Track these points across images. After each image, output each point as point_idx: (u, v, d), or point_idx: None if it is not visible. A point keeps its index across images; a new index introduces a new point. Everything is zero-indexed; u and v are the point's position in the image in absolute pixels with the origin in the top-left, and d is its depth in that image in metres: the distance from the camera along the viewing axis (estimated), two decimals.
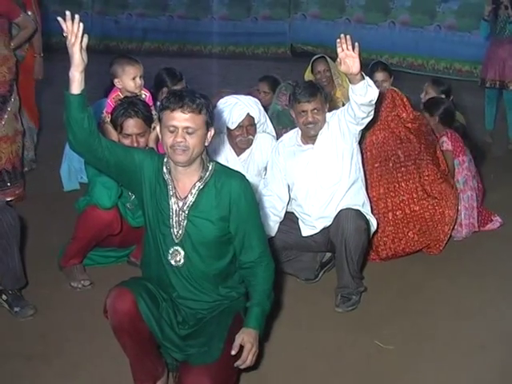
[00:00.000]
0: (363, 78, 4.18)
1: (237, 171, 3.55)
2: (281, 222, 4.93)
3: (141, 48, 15.02)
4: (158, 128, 3.41)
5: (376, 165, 5.21)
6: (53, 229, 5.71)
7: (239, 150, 5.26)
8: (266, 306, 3.52)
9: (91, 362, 4.01)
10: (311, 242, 4.92)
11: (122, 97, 5.00)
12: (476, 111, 8.50)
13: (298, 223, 4.93)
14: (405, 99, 5.29)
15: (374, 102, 4.31)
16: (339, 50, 4.06)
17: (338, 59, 4.11)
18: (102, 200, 4.62)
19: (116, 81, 5.10)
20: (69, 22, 3.13)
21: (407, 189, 5.17)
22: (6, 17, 6.13)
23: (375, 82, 6.08)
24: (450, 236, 5.46)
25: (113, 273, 4.84)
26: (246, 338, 3.34)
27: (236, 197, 3.36)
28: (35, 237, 5.39)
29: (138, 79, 5.06)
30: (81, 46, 3.16)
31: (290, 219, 4.95)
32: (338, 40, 4.05)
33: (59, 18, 3.15)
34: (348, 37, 4.05)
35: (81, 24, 3.14)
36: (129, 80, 5.03)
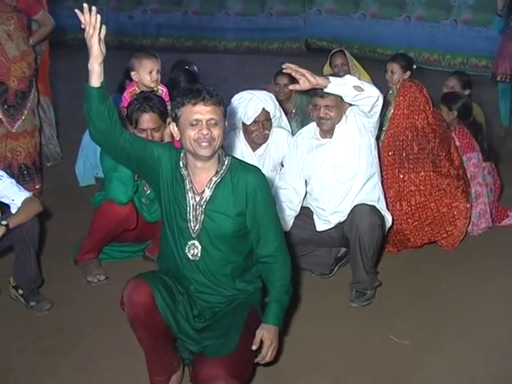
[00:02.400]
0: (343, 82, 4.27)
1: (253, 165, 3.55)
2: (296, 217, 4.93)
3: (155, 44, 15.02)
4: (172, 126, 3.41)
5: (390, 153, 5.21)
6: (69, 223, 5.74)
7: (255, 145, 5.25)
8: (285, 301, 3.55)
9: (107, 356, 4.03)
10: (326, 236, 4.91)
11: (139, 91, 5.02)
12: (493, 106, 8.44)
13: (312, 218, 4.92)
14: (426, 92, 5.28)
15: (362, 97, 4.31)
16: (293, 74, 4.20)
17: (297, 87, 4.24)
18: (118, 195, 4.64)
19: (133, 74, 5.12)
20: (86, 14, 3.13)
21: (415, 180, 5.16)
22: (25, 13, 6.16)
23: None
24: (466, 232, 5.44)
25: (128, 268, 4.85)
26: (265, 334, 3.39)
27: (252, 191, 3.36)
28: (51, 232, 5.42)
29: (154, 73, 5.07)
30: (99, 38, 3.17)
31: (304, 214, 4.95)
32: (284, 70, 4.24)
33: (77, 11, 3.16)
34: (287, 64, 4.20)
35: (98, 16, 3.14)
36: (145, 73, 5.05)
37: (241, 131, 5.26)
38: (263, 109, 5.07)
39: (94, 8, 3.14)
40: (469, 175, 5.60)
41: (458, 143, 5.62)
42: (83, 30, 3.17)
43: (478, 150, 5.78)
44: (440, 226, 5.23)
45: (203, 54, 13.60)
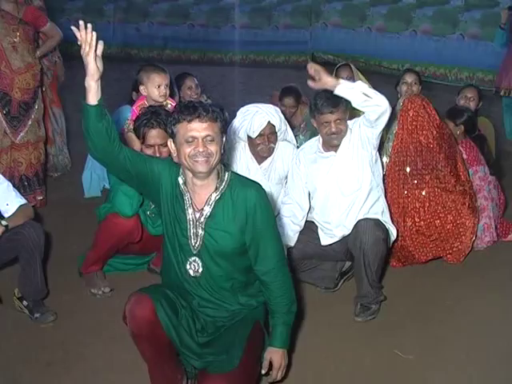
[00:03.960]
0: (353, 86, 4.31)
1: (253, 181, 3.51)
2: (300, 232, 4.92)
3: (162, 56, 15.06)
4: (169, 143, 3.39)
5: (396, 168, 5.19)
6: (73, 235, 5.74)
7: (260, 158, 5.25)
8: (290, 320, 3.56)
9: (111, 368, 4.02)
10: (330, 251, 4.90)
11: (147, 105, 5.01)
12: (498, 121, 8.44)
13: (317, 232, 4.92)
14: (432, 107, 5.25)
15: (370, 104, 4.33)
16: (311, 72, 4.22)
17: (310, 82, 4.27)
18: (123, 208, 4.64)
19: (141, 88, 5.13)
20: (82, 32, 3.14)
21: (420, 197, 5.14)
22: (32, 25, 6.20)
23: (404, 83, 6.09)
24: (472, 247, 5.42)
25: (133, 280, 4.84)
26: (274, 357, 3.45)
27: (252, 207, 3.34)
28: (56, 243, 5.42)
29: (162, 88, 5.07)
30: (95, 55, 3.17)
31: (309, 228, 4.94)
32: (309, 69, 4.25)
33: (73, 27, 3.16)
34: (312, 64, 4.27)
35: (94, 33, 3.14)
36: (153, 88, 5.06)
37: (246, 144, 5.26)
38: (269, 122, 5.07)
39: (89, 25, 3.14)
40: (474, 188, 5.59)
41: (465, 156, 5.61)
42: (80, 46, 3.17)
43: (484, 164, 5.77)
44: (445, 242, 5.21)
45: (209, 67, 13.65)
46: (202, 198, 3.38)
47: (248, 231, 3.38)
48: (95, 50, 3.17)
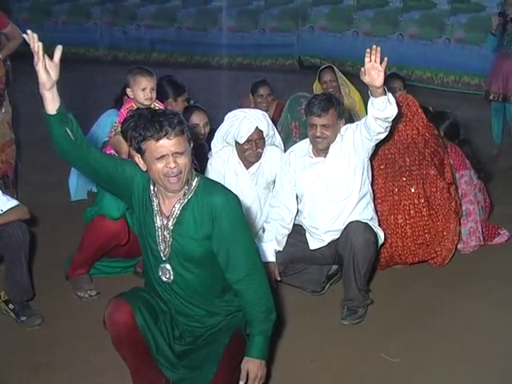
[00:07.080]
0: (385, 94, 4.12)
1: (221, 187, 3.44)
2: (288, 235, 4.93)
3: (149, 59, 15.02)
4: (137, 158, 3.29)
5: (382, 166, 5.17)
6: (60, 238, 5.73)
7: (248, 163, 5.23)
8: (268, 330, 3.44)
9: (97, 371, 4.02)
10: (318, 254, 4.90)
11: (135, 108, 5.00)
12: (484, 125, 8.50)
13: (305, 236, 4.92)
14: (419, 106, 5.26)
15: (390, 120, 4.25)
16: (367, 59, 3.99)
17: (363, 69, 4.02)
18: (110, 210, 4.63)
19: (128, 90, 5.12)
20: (31, 41, 3.08)
21: (410, 194, 5.12)
22: None
23: (390, 88, 6.05)
24: (456, 250, 5.42)
25: (119, 283, 4.83)
26: (250, 367, 3.36)
27: (217, 214, 3.26)
28: (42, 246, 5.40)
29: (147, 91, 5.04)
30: (44, 64, 3.09)
31: (297, 232, 4.94)
32: (368, 50, 3.97)
33: (25, 36, 3.10)
34: (378, 49, 3.97)
35: (40, 43, 3.07)
36: (139, 90, 5.03)
37: (234, 149, 5.24)
38: (256, 127, 5.04)
39: (35, 35, 3.08)
40: (460, 193, 5.60)
41: (451, 161, 5.63)
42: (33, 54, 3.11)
43: (469, 168, 5.79)
44: (430, 247, 5.19)
45: (196, 70, 13.63)
46: (170, 204, 3.34)
47: (215, 237, 3.30)
48: (51, 59, 3.12)
